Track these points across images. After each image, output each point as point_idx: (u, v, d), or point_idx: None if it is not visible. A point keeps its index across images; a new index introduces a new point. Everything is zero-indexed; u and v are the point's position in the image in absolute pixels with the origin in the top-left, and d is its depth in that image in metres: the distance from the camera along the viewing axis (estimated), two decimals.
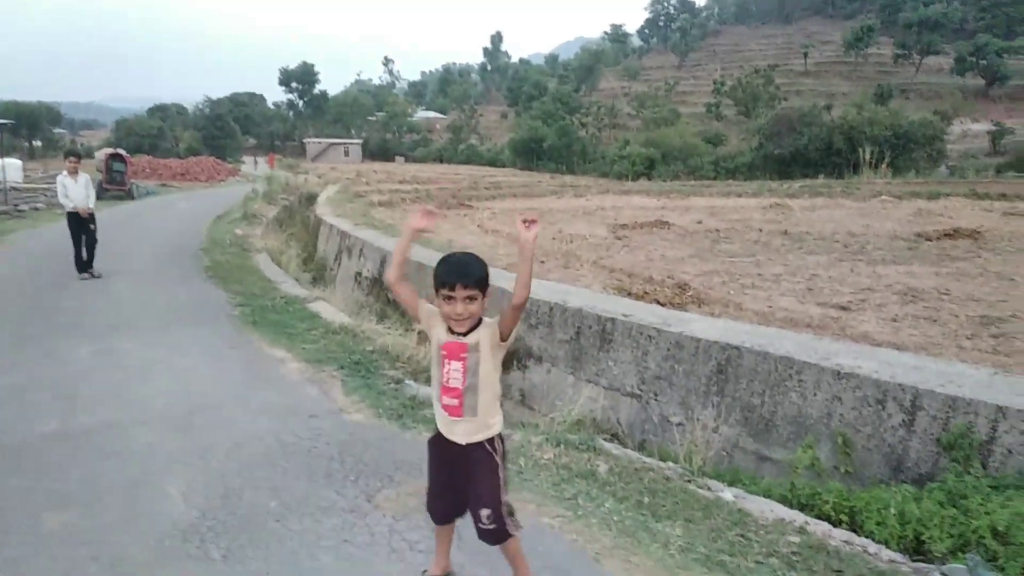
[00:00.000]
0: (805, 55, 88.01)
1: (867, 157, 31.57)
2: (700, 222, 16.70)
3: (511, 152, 67.40)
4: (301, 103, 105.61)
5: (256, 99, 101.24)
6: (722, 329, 5.89)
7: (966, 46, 70.25)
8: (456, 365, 2.64)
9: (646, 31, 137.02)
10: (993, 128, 48.77)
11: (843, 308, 7.73)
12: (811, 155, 40.95)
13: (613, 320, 6.41)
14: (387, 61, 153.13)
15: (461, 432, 2.70)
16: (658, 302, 7.68)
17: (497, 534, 2.74)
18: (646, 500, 3.92)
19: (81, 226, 10.55)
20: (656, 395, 5.97)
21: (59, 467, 4.25)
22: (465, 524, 3.05)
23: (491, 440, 2.71)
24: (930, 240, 12.92)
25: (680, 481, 4.20)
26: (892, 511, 3.68)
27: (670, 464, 4.53)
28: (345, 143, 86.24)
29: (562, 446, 4.61)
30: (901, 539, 3.59)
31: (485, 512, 2.69)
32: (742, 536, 3.55)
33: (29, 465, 4.29)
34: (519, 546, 2.86)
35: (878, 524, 3.68)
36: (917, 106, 55.57)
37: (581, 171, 56.33)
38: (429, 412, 5.03)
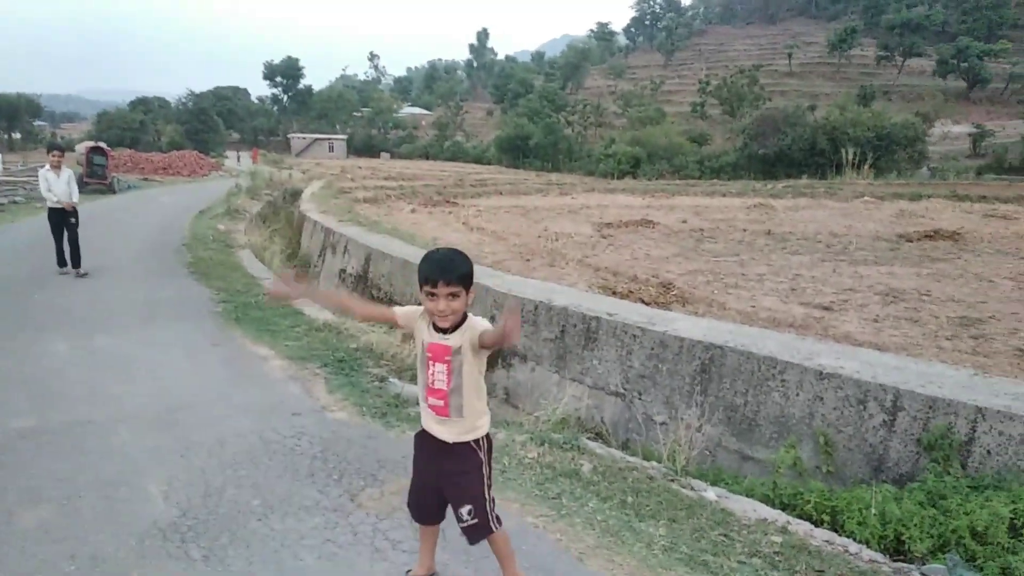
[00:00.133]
0: (789, 56, 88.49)
1: (850, 158, 31.87)
2: (685, 221, 16.78)
3: (497, 149, 67.30)
4: (285, 98, 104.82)
5: (240, 93, 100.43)
6: (706, 328, 5.92)
7: (948, 48, 70.90)
8: (441, 367, 2.64)
9: (632, 30, 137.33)
10: (974, 130, 49.24)
11: (825, 308, 7.79)
12: (795, 155, 41.28)
13: (598, 319, 6.41)
14: (372, 56, 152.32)
15: (448, 432, 2.70)
16: (643, 301, 7.71)
17: (479, 529, 2.74)
18: (630, 499, 3.93)
19: (62, 221, 10.38)
20: (640, 394, 5.98)
21: (34, 464, 4.19)
22: (449, 524, 3.04)
23: (477, 439, 2.71)
24: (911, 241, 13.07)
25: (663, 480, 4.21)
26: (873, 511, 3.72)
27: (654, 463, 4.54)
28: (330, 139, 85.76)
29: (546, 445, 4.61)
30: (882, 539, 3.62)
31: (466, 508, 2.70)
32: (725, 536, 3.57)
33: (2, 462, 4.21)
34: (508, 544, 2.87)
35: (859, 524, 3.71)
36: (899, 108, 56.03)
37: (567, 169, 56.38)
38: (413, 411, 5.01)
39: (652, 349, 5.91)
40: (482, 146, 73.53)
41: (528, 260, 10.72)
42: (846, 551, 3.46)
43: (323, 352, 6.63)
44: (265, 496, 3.82)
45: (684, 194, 25.95)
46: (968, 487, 3.79)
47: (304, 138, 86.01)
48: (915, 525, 3.57)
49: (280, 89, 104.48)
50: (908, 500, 3.75)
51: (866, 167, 30.92)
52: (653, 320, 6.20)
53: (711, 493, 4.11)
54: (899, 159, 38.47)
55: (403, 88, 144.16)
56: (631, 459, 4.58)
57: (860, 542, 3.59)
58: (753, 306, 7.84)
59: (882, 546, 3.60)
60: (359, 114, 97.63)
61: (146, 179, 34.92)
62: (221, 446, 4.48)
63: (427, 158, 72.97)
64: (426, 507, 2.89)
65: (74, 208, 10.46)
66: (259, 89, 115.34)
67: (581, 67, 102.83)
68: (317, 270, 13.92)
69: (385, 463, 4.27)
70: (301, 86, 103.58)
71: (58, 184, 10.33)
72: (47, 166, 10.44)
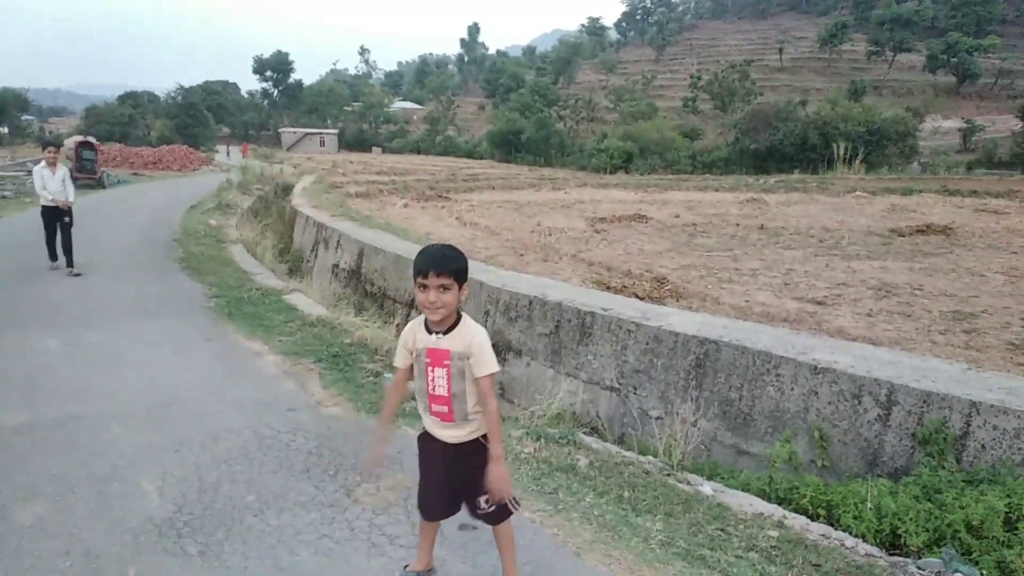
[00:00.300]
0: (780, 51, 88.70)
1: (841, 153, 31.99)
2: (678, 216, 16.80)
3: (489, 144, 67.22)
4: (276, 92, 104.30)
5: (230, 87, 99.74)
6: (700, 323, 5.92)
7: (937, 44, 71.17)
8: (440, 372, 2.62)
9: (623, 24, 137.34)
10: (964, 125, 49.50)
11: (819, 303, 7.81)
12: (786, 150, 41.41)
13: (593, 314, 6.41)
14: (363, 51, 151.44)
15: (454, 435, 2.70)
16: (637, 296, 7.71)
17: (497, 515, 2.77)
18: (626, 494, 3.93)
19: (55, 219, 10.18)
20: (635, 389, 5.98)
21: (27, 460, 4.15)
22: (447, 519, 3.04)
23: (484, 434, 2.70)
24: (903, 236, 13.13)
25: (660, 475, 4.22)
26: (869, 505, 3.73)
27: (650, 458, 4.54)
28: (321, 133, 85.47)
29: (542, 440, 4.60)
30: (878, 533, 3.63)
31: (483, 497, 2.71)
32: (722, 530, 3.57)
33: None
34: (511, 532, 2.88)
35: (855, 518, 3.72)
36: (890, 103, 56.28)
37: (559, 164, 56.35)
38: (408, 406, 4.99)
39: (647, 344, 5.91)
40: (474, 141, 73.40)
41: (522, 255, 10.71)
42: (842, 545, 3.47)
43: (317, 347, 6.61)
44: (260, 492, 3.81)
45: (676, 189, 26.01)
46: (963, 481, 3.80)
47: (295, 132, 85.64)
48: (911, 519, 3.58)
49: (270, 83, 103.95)
50: (904, 494, 3.76)
51: (857, 162, 31.06)
52: (648, 315, 6.20)
53: (707, 488, 4.11)
54: (890, 154, 38.62)
55: (394, 83, 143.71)
56: (627, 454, 4.59)
57: (856, 536, 3.60)
58: (747, 301, 7.85)
59: (878, 540, 3.62)
60: (350, 108, 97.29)
61: (136, 174, 34.71)
62: (215, 441, 4.46)
63: (419, 153, 72.84)
64: (438, 507, 2.89)
65: (69, 207, 10.25)
66: (249, 83, 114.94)
67: (572, 62, 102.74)
68: (310, 265, 13.87)
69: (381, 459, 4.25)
70: (291, 80, 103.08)
71: (53, 182, 10.12)
72: (42, 163, 10.22)
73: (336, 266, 12.09)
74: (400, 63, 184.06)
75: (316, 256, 13.68)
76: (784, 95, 55.53)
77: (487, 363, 2.59)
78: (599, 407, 6.27)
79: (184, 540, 3.32)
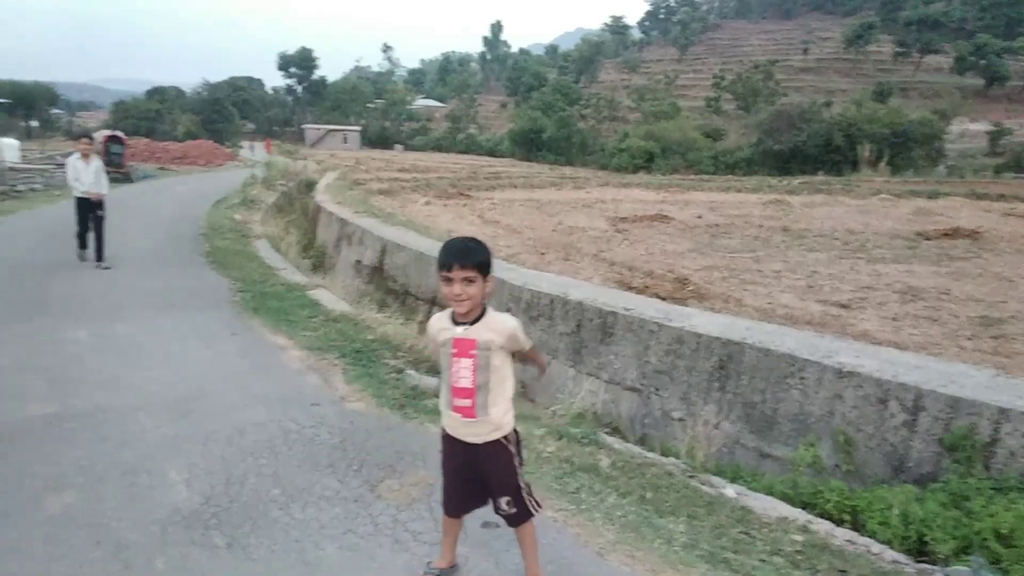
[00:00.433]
0: (805, 51, 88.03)
1: (866, 155, 31.67)
2: (700, 217, 16.70)
3: (510, 142, 67.27)
4: (300, 89, 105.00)
5: (254, 84, 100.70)
6: (723, 325, 5.89)
7: (966, 46, 70.24)
8: (466, 363, 2.62)
9: (646, 23, 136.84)
10: (992, 128, 48.83)
11: (843, 306, 7.74)
12: (810, 151, 41.05)
13: (614, 314, 6.39)
14: (386, 48, 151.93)
15: (475, 434, 2.70)
16: (659, 296, 7.68)
17: (519, 517, 2.80)
18: (649, 495, 3.92)
19: (88, 211, 10.21)
20: (657, 390, 5.96)
21: (56, 450, 4.23)
22: (470, 516, 3.05)
23: (506, 435, 2.71)
24: (930, 239, 12.96)
25: (682, 477, 4.20)
26: (895, 511, 3.69)
27: (672, 459, 4.52)
28: (344, 130, 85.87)
29: (564, 439, 4.61)
30: (904, 540, 3.59)
31: (505, 499, 2.75)
32: (745, 534, 3.55)
33: (25, 448, 4.25)
34: (534, 532, 2.90)
35: (881, 524, 3.68)
36: (916, 105, 55.51)
37: (580, 163, 56.31)
38: (430, 403, 5.02)
39: (669, 345, 5.89)
40: (495, 139, 73.50)
41: (543, 254, 10.71)
42: (868, 551, 3.44)
43: (340, 343, 6.65)
44: (285, 485, 3.84)
45: (699, 189, 25.84)
46: (992, 488, 3.75)
47: (318, 129, 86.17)
48: (938, 526, 3.54)
49: (294, 80, 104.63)
50: (931, 501, 3.72)
51: (882, 164, 30.73)
52: (670, 316, 6.17)
53: (730, 490, 4.09)
54: (916, 156, 38.17)
55: (417, 80, 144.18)
56: (649, 455, 4.57)
57: (882, 542, 3.56)
58: (770, 303, 7.80)
59: (904, 547, 3.58)
60: (373, 106, 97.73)
61: (162, 168, 35.13)
62: (240, 435, 4.50)
63: (440, 150, 73.06)
64: (463, 505, 2.92)
65: (101, 199, 10.26)
66: (273, 80, 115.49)
67: (595, 60, 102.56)
68: (333, 261, 13.96)
69: (404, 454, 4.28)
70: (315, 77, 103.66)
71: (86, 173, 10.16)
72: (76, 154, 10.27)
73: (359, 262, 12.16)
74: (423, 61, 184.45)
75: (339, 251, 13.77)
76: (808, 96, 55.07)
77: (525, 341, 2.74)
78: (620, 407, 6.26)
79: (211, 532, 3.36)
